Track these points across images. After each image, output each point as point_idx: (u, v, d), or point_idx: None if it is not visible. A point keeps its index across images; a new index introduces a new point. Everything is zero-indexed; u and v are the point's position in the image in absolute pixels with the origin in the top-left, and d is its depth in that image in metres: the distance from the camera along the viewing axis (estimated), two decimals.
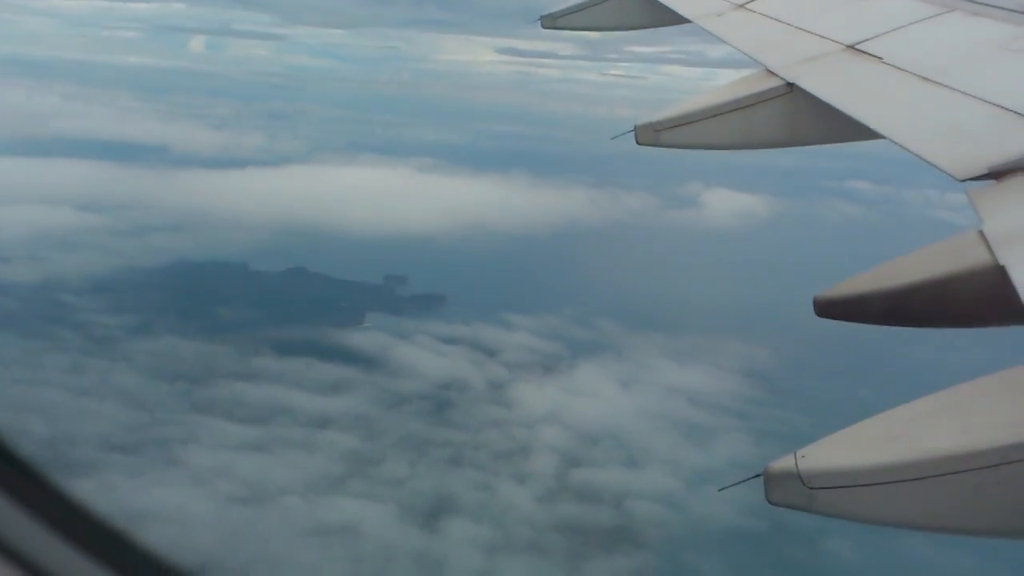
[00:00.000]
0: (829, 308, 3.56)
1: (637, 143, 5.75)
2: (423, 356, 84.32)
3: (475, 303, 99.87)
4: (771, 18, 6.77)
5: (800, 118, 5.42)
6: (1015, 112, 4.00)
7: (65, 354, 78.71)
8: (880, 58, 5.24)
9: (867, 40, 5.57)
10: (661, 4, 8.45)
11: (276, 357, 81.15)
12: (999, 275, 2.98)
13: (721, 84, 5.91)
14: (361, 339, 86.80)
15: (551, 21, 9.70)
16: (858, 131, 4.74)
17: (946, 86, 4.56)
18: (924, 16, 5.70)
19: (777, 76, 5.52)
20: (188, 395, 74.07)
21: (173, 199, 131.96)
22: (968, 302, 3.22)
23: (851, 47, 5.57)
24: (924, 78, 4.76)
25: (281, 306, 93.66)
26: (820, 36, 5.95)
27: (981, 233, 3.22)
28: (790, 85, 5.39)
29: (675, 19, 8.16)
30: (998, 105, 4.14)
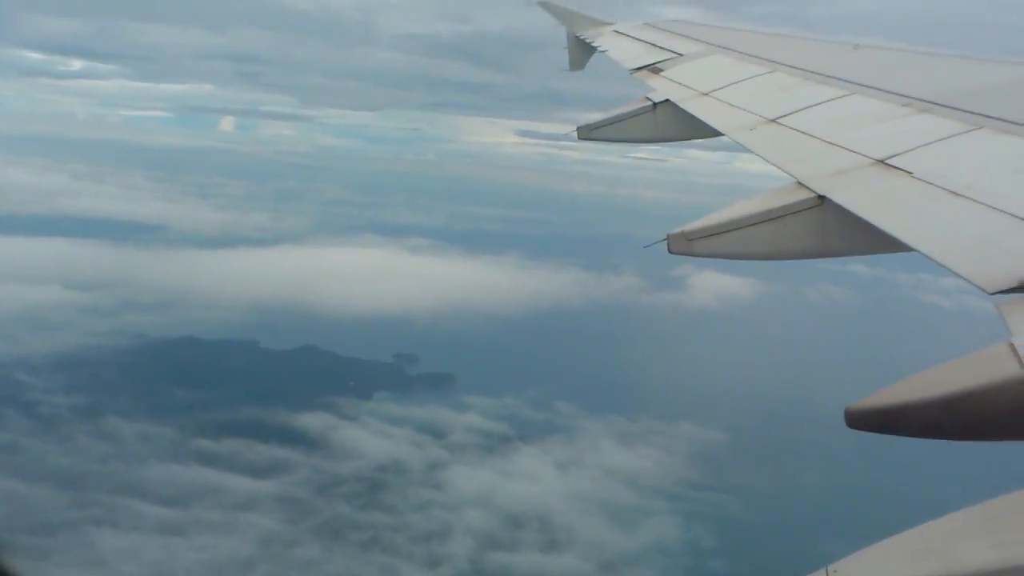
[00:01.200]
0: (861, 420, 3.56)
1: (669, 252, 5.84)
2: (368, 438, 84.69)
3: (438, 384, 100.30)
4: (801, 132, 6.93)
5: (831, 230, 5.50)
6: None
7: (4, 433, 79.12)
8: (910, 173, 5.33)
9: (896, 155, 5.68)
10: (695, 117, 8.67)
11: (218, 439, 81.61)
12: None
13: (753, 196, 6.01)
14: (307, 420, 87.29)
15: (587, 132, 9.98)
16: (888, 243, 4.79)
17: (975, 200, 4.63)
18: (952, 133, 5.82)
19: (808, 188, 5.63)
20: (116, 477, 74.05)
21: (158, 278, 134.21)
22: (1000, 415, 3.21)
23: (881, 162, 5.68)
24: (953, 192, 4.84)
25: (231, 386, 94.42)
26: (850, 151, 6.07)
27: (1012, 346, 3.24)
28: (821, 198, 5.49)
29: (708, 132, 8.36)
30: None
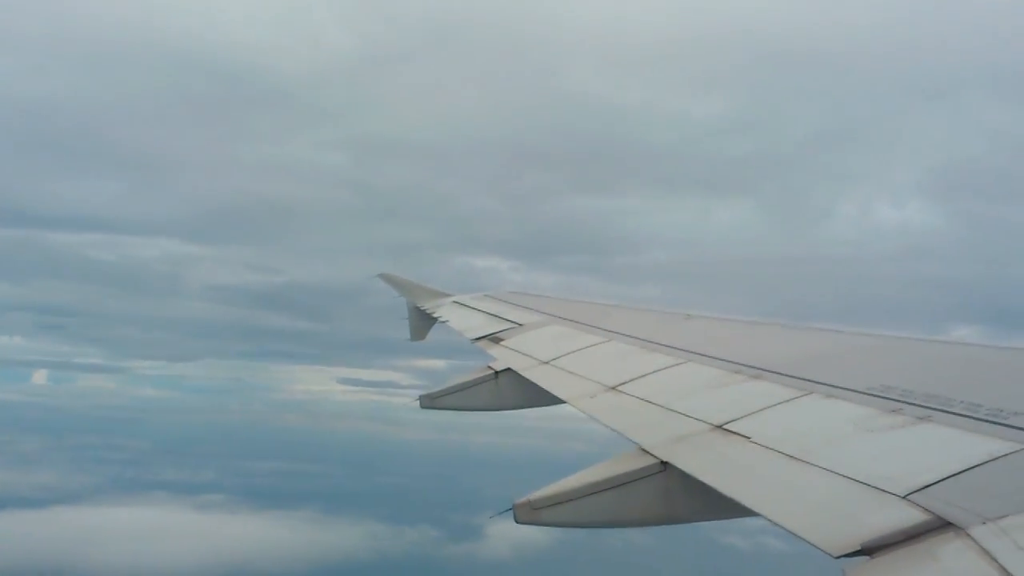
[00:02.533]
0: None
1: (516, 522, 5.67)
2: None
3: None
4: (641, 399, 7.06)
5: (676, 496, 5.47)
6: (877, 488, 4.13)
7: None
8: (748, 437, 5.44)
9: (734, 420, 5.80)
10: (537, 386, 8.75)
11: None
12: None
13: (598, 464, 5.97)
14: None
15: (430, 401, 9.93)
16: (733, 508, 4.79)
17: (812, 464, 4.72)
18: (784, 399, 6.03)
19: (651, 455, 5.64)
20: None
21: None
22: None
23: (719, 427, 5.78)
24: (791, 456, 4.93)
25: None
26: (689, 416, 6.18)
27: None
28: (664, 464, 5.50)
29: (550, 400, 8.42)
30: (861, 482, 4.28)
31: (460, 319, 14.93)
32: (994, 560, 3.19)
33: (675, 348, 8.52)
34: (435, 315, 16.63)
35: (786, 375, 6.60)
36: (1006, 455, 4.13)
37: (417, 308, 17.98)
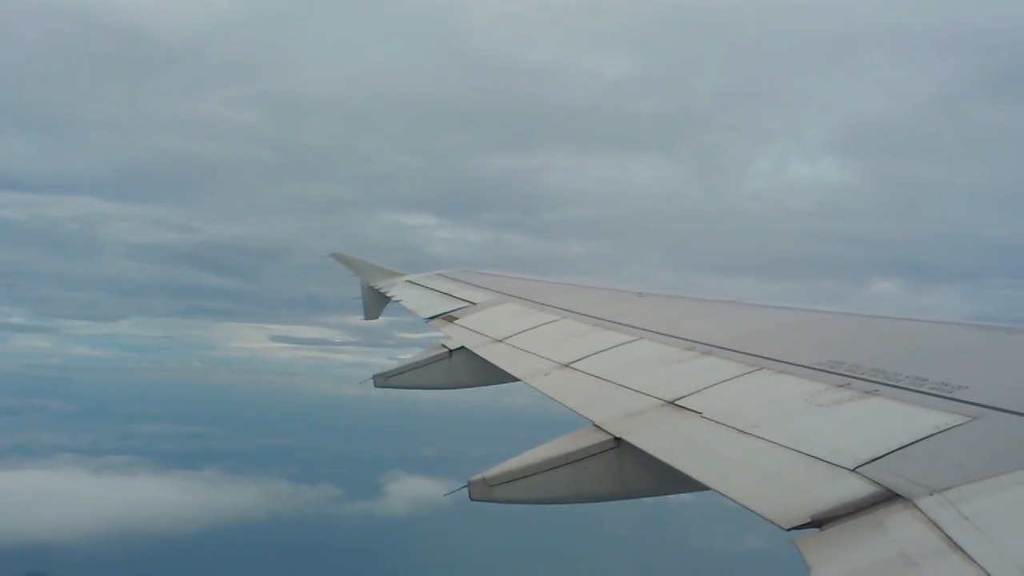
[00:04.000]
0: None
1: (471, 499, 5.69)
2: None
3: None
4: (594, 376, 7.10)
5: (629, 471, 5.52)
6: (827, 462, 4.20)
7: None
8: (699, 413, 5.49)
9: (685, 396, 5.86)
10: (491, 364, 8.77)
11: None
12: None
13: (552, 440, 6.00)
14: None
15: (384, 380, 9.90)
16: (686, 483, 4.84)
17: (762, 438, 4.78)
18: (735, 375, 6.10)
19: (604, 431, 5.68)
20: None
21: None
22: None
23: (671, 403, 5.84)
24: (741, 431, 4.99)
25: None
26: (642, 393, 6.23)
27: None
28: (618, 440, 5.54)
29: (504, 378, 8.44)
30: (811, 455, 4.34)
31: (413, 298, 14.88)
32: (940, 530, 3.26)
33: (628, 326, 8.57)
34: (388, 294, 16.56)
35: (737, 351, 6.67)
36: (951, 428, 4.21)
37: (370, 287, 17.88)
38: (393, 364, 10.07)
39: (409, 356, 10.15)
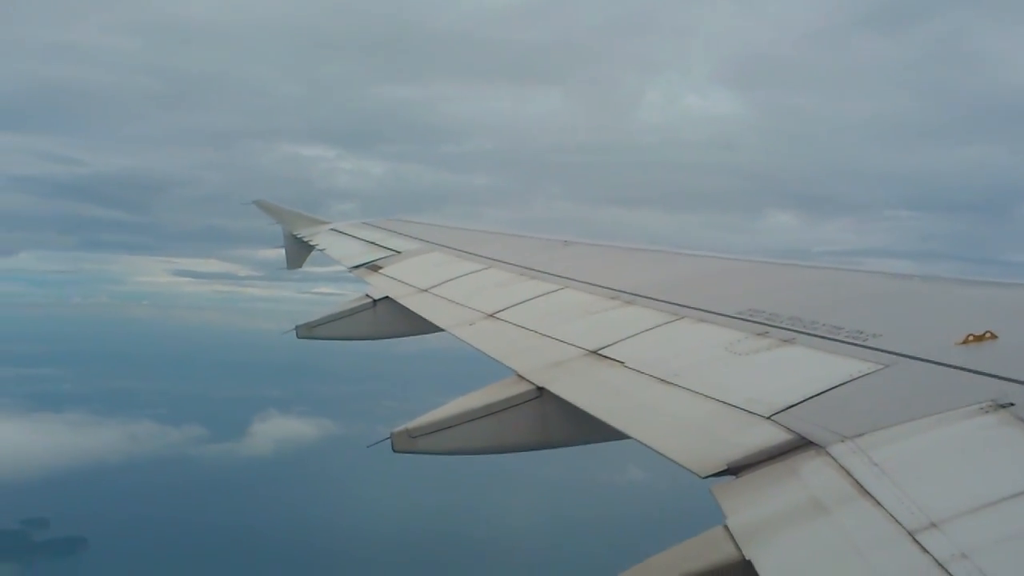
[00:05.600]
0: None
1: (394, 450, 5.67)
2: None
3: None
4: (518, 326, 7.10)
5: (551, 420, 5.54)
6: (744, 410, 4.26)
7: None
8: (622, 362, 5.53)
9: (608, 346, 5.89)
10: (415, 314, 8.71)
11: None
12: (747, 569, 3.05)
13: (475, 391, 6.00)
14: None
15: (308, 331, 9.79)
16: (606, 432, 4.88)
17: (682, 387, 4.83)
18: (657, 324, 6.14)
19: (528, 381, 5.69)
20: None
21: None
22: None
23: (594, 352, 5.86)
24: (662, 380, 5.03)
25: None
26: (565, 343, 6.25)
27: (726, 527, 3.31)
28: (540, 389, 5.55)
29: (429, 328, 8.40)
30: (728, 403, 4.40)
31: (338, 247, 14.70)
32: (850, 475, 3.33)
33: (552, 275, 8.57)
34: (312, 243, 16.34)
35: (659, 300, 6.72)
36: (865, 375, 4.30)
37: (293, 236, 17.61)
38: (315, 313, 9.95)
39: (332, 307, 10.03)
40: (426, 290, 9.43)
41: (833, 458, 3.52)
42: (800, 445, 3.75)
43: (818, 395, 4.20)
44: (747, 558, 3.08)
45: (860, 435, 3.63)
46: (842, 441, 3.62)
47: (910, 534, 2.86)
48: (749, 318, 5.71)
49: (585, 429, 5.33)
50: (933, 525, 2.86)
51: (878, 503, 3.09)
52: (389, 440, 5.65)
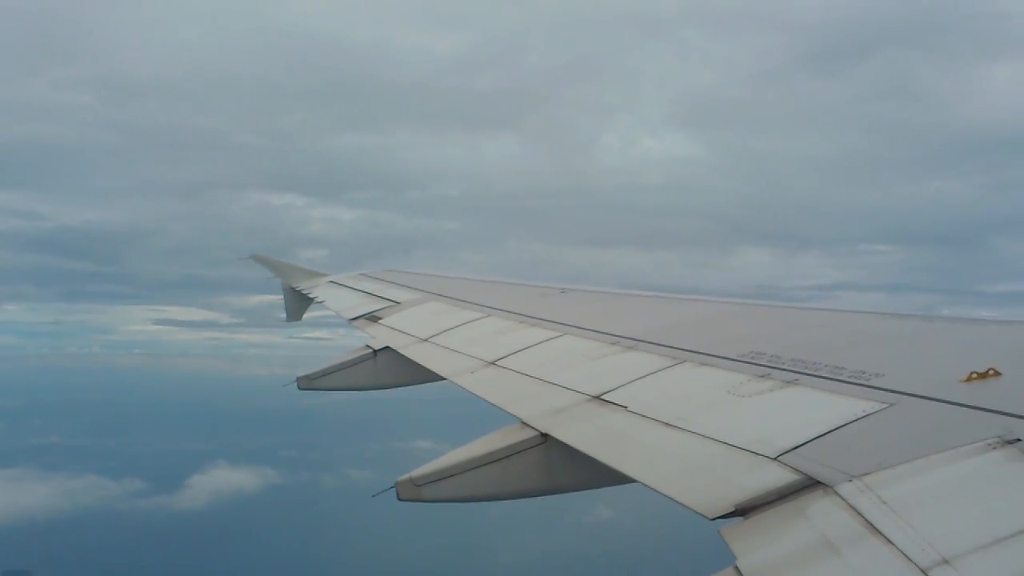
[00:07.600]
0: None
1: (399, 499, 5.65)
2: None
3: None
4: (520, 373, 7.10)
5: (556, 466, 5.53)
6: (749, 451, 4.26)
7: None
8: (625, 407, 5.53)
9: (611, 391, 5.89)
10: (416, 363, 8.71)
11: None
12: None
13: (479, 438, 5.99)
14: None
15: (308, 382, 9.78)
16: (612, 476, 4.86)
17: (686, 430, 4.83)
18: (659, 368, 6.15)
19: (531, 427, 5.68)
20: None
21: None
22: None
23: (597, 398, 5.86)
24: (666, 423, 5.03)
25: None
26: (567, 388, 6.25)
27: (737, 568, 3.30)
28: (544, 436, 5.55)
29: (432, 377, 8.40)
30: (734, 445, 4.40)
31: (336, 299, 14.73)
32: (859, 515, 3.33)
33: (552, 322, 8.59)
34: (311, 295, 16.36)
35: (660, 344, 6.74)
36: (870, 414, 4.31)
37: (292, 288, 17.64)
38: (315, 363, 9.95)
39: (333, 358, 10.04)
40: (426, 339, 9.44)
41: (842, 497, 3.51)
42: (808, 485, 3.75)
43: (824, 435, 4.20)
44: None
45: (868, 474, 3.63)
46: (850, 480, 3.62)
47: (922, 572, 2.85)
48: (751, 360, 5.73)
49: (590, 474, 5.31)
50: (945, 562, 2.86)
51: (889, 541, 3.08)
52: (394, 489, 5.64)
